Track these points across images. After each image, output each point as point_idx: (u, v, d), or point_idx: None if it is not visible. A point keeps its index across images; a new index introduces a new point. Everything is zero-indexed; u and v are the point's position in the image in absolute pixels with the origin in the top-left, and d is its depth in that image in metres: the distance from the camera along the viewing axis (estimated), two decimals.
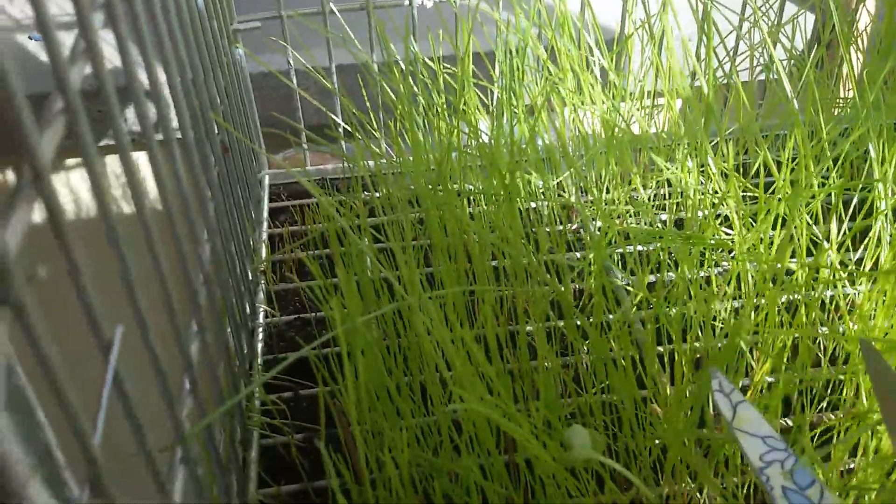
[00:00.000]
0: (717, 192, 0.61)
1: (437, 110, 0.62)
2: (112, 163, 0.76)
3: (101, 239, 0.27)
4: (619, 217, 0.65)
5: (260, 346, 0.52)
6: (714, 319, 0.55)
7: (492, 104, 0.70)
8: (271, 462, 0.46)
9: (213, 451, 0.36)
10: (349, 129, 0.69)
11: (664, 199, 0.68)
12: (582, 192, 0.69)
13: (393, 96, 0.63)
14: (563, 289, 0.55)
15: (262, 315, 0.55)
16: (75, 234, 0.23)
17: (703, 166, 0.68)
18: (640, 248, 0.63)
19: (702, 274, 0.59)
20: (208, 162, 0.44)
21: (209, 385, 0.39)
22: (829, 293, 0.57)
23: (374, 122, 0.68)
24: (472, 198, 0.66)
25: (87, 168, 0.24)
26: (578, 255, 0.63)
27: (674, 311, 0.56)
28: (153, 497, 0.30)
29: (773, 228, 0.64)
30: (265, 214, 0.64)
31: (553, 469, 0.40)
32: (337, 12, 0.65)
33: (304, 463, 0.46)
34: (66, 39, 0.25)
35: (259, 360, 0.51)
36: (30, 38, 0.98)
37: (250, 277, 0.55)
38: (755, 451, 0.32)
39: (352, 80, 0.90)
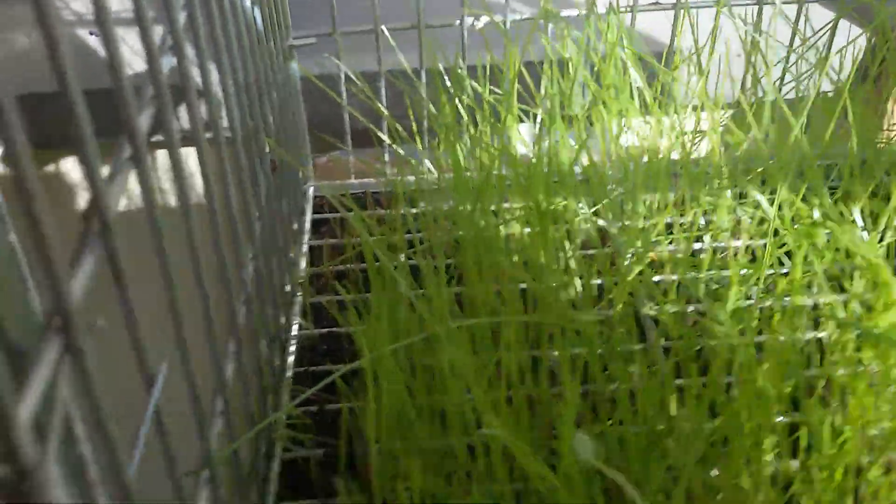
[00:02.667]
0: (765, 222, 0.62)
1: (479, 135, 0.63)
2: (158, 174, 0.80)
3: (138, 260, 0.30)
4: (654, 245, 0.66)
5: (291, 358, 0.55)
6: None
7: (534, 122, 0.71)
8: (292, 475, 0.49)
9: (236, 469, 0.39)
10: (391, 141, 0.71)
11: (700, 228, 0.68)
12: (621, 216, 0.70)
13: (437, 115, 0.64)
14: (590, 316, 0.57)
15: (295, 328, 0.57)
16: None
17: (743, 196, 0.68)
18: (675, 277, 0.63)
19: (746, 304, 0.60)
20: (258, 181, 0.47)
21: (240, 401, 0.42)
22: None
23: (418, 135, 0.70)
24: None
25: (144, 199, 0.26)
26: (614, 279, 0.64)
27: (698, 342, 0.57)
28: None
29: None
30: (307, 226, 0.67)
31: (562, 498, 0.42)
32: (387, 32, 0.67)
33: (323, 479, 0.48)
34: (127, 35, 0.27)
35: (289, 373, 0.54)
36: (91, 33, 1.02)
37: (287, 290, 0.58)
38: None
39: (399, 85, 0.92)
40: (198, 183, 0.36)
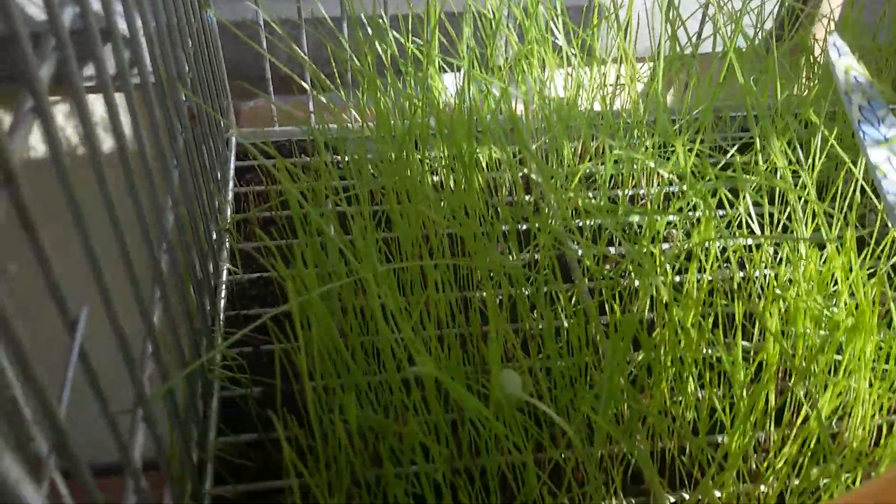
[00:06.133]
0: (672, 172, 0.64)
1: (402, 82, 0.63)
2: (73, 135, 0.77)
3: (60, 212, 0.29)
4: (573, 193, 0.67)
5: (223, 303, 0.55)
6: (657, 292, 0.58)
7: (456, 75, 0.71)
8: (231, 413, 0.49)
9: (172, 407, 0.39)
10: (313, 89, 0.71)
11: (620, 174, 0.70)
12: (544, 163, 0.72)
13: (359, 65, 0.64)
14: (515, 260, 0.58)
15: (225, 273, 0.57)
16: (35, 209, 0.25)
17: (661, 146, 0.71)
18: (598, 221, 0.65)
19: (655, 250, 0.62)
20: (174, 131, 0.46)
21: (171, 344, 0.41)
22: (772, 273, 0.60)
23: (341, 84, 0.70)
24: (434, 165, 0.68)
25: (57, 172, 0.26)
26: (537, 225, 0.65)
27: (621, 283, 0.59)
28: (115, 452, 0.32)
29: (720, 208, 0.67)
30: (231, 174, 0.66)
31: (495, 428, 0.43)
32: None
33: (261, 415, 0.49)
34: None
35: (221, 317, 0.53)
36: None
37: (214, 237, 0.57)
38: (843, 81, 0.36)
39: (322, 33, 0.90)
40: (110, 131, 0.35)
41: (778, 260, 0.62)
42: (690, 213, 0.65)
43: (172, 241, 0.42)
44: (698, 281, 0.57)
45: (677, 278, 0.60)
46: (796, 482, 0.46)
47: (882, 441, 0.49)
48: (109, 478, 0.34)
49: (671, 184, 0.68)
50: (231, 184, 0.65)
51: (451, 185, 0.63)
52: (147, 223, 0.37)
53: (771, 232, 0.65)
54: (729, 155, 0.70)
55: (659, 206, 0.68)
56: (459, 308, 0.56)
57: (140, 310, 0.36)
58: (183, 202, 0.45)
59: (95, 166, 0.31)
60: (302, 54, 0.67)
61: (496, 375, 0.46)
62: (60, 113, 0.71)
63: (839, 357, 0.50)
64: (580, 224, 0.65)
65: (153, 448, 0.37)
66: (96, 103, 0.33)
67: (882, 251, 0.57)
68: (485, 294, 0.57)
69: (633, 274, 0.59)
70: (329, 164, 0.64)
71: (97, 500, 0.28)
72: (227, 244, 0.59)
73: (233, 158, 0.67)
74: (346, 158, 0.64)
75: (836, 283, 0.54)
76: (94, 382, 0.29)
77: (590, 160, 0.71)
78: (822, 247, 0.58)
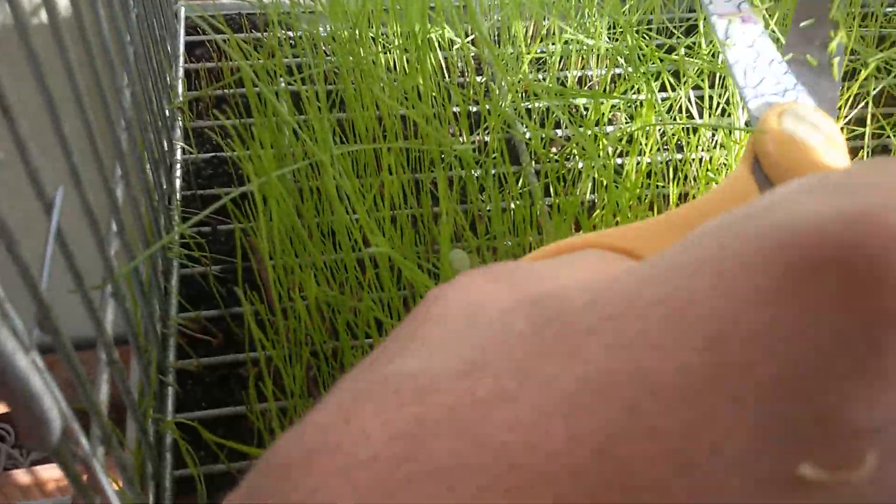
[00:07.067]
0: (617, 52, 0.65)
1: None
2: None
3: (28, 102, 0.30)
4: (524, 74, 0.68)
5: (178, 182, 0.55)
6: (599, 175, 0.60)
7: None
8: (191, 290, 0.51)
9: (137, 284, 0.41)
10: None
11: (570, 56, 0.71)
12: (496, 45, 0.72)
13: None
14: (466, 143, 0.60)
15: (179, 152, 0.57)
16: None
17: (612, 28, 0.71)
18: (545, 104, 0.67)
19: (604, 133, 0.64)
20: (127, 6, 0.45)
21: (133, 223, 0.43)
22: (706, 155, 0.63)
23: None
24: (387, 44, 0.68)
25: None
26: (487, 107, 0.67)
27: (565, 165, 0.61)
28: (87, 327, 0.34)
29: (662, 91, 0.69)
30: (181, 49, 0.65)
31: None
32: None
33: (221, 291, 0.51)
34: None
35: (178, 196, 0.54)
36: None
37: (167, 114, 0.57)
38: None
39: None
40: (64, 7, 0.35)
41: (714, 143, 0.65)
42: (634, 96, 0.67)
43: (131, 119, 0.43)
44: (638, 164, 0.60)
45: (618, 161, 0.63)
46: None
47: None
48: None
49: (618, 65, 0.70)
50: (181, 59, 0.64)
51: (405, 66, 0.63)
52: (106, 100, 0.37)
53: (710, 116, 0.68)
54: (675, 38, 0.72)
55: (605, 89, 0.69)
56: (411, 189, 0.58)
57: (105, 188, 0.37)
58: (139, 79, 0.45)
59: (57, 39, 0.31)
60: None
61: (446, 254, 0.48)
62: None
63: None
64: (529, 106, 0.66)
65: (119, 324, 0.39)
66: None
67: None
68: (436, 176, 0.59)
69: (577, 157, 0.61)
70: (282, 40, 0.64)
71: (78, 368, 0.31)
72: (180, 122, 0.59)
73: (182, 32, 0.66)
74: (299, 34, 0.63)
75: None
76: (70, 260, 0.30)
77: (541, 41, 0.72)
78: None
